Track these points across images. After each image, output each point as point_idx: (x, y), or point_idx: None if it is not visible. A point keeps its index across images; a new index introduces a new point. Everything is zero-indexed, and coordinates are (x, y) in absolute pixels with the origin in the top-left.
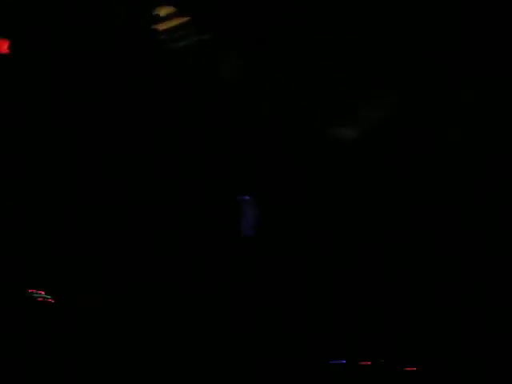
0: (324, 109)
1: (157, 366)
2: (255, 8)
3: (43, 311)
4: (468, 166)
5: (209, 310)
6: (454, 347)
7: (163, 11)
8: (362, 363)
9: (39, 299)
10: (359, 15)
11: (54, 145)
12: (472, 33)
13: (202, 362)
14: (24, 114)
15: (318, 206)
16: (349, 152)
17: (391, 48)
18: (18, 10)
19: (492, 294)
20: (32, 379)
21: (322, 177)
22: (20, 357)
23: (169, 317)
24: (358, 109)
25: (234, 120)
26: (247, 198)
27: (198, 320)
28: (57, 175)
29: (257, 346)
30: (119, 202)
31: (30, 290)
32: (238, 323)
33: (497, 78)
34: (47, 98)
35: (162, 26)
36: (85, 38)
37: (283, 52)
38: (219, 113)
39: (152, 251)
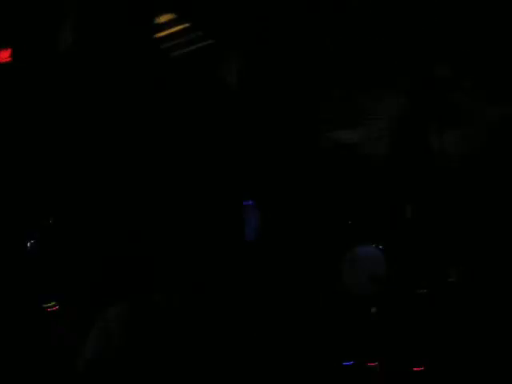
0: (323, 115)
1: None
2: (254, 12)
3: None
4: None
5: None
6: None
7: (163, 18)
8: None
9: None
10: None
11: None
12: None
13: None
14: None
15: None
16: (348, 157)
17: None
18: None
19: None
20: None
21: (323, 182)
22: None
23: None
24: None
25: (236, 125)
26: (250, 203)
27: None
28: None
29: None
30: (123, 203)
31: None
32: (240, 326)
33: None
34: (49, 102)
35: (162, 33)
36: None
37: (283, 55)
38: (222, 118)
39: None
